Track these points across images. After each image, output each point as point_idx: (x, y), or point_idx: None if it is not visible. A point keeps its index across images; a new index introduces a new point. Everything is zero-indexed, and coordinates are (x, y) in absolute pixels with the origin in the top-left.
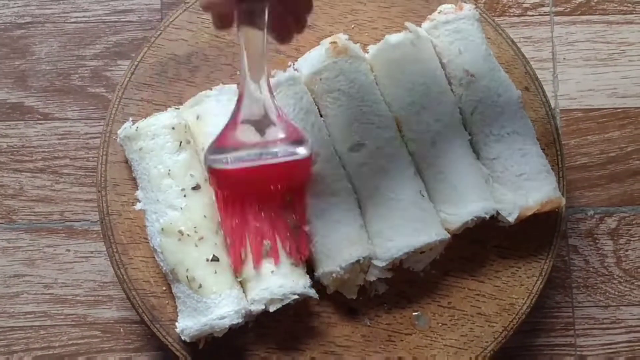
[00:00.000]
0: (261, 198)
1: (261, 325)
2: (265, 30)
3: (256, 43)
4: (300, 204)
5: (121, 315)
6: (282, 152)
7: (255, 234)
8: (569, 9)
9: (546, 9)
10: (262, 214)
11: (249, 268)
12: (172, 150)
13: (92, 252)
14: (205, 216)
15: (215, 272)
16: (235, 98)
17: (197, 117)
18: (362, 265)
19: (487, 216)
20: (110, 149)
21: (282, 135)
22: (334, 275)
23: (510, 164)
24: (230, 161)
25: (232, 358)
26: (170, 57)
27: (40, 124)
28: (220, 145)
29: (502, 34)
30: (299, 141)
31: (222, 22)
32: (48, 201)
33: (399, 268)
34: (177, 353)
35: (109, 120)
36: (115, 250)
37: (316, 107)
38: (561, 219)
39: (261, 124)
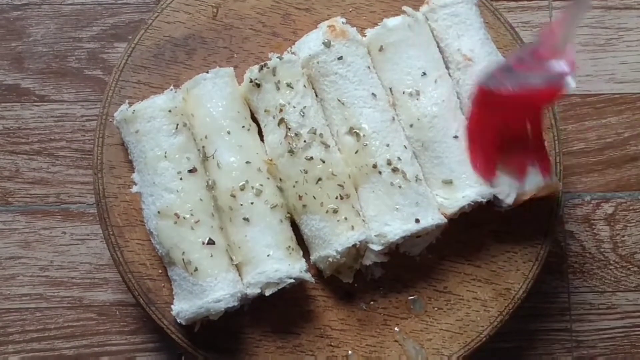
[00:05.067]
0: (513, 120)
1: (257, 309)
2: None
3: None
4: (537, 125)
5: (117, 298)
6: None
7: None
8: None
9: None
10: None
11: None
12: (168, 133)
13: (88, 235)
14: (201, 199)
15: (211, 256)
16: (232, 80)
17: (194, 100)
18: (358, 249)
19: (484, 201)
20: (107, 132)
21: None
22: (330, 259)
23: None
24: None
25: (227, 341)
26: (167, 40)
27: (37, 106)
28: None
29: (500, 18)
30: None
31: None
32: (44, 183)
33: (395, 252)
34: (173, 336)
35: (105, 103)
36: (111, 232)
37: (313, 90)
38: (558, 204)
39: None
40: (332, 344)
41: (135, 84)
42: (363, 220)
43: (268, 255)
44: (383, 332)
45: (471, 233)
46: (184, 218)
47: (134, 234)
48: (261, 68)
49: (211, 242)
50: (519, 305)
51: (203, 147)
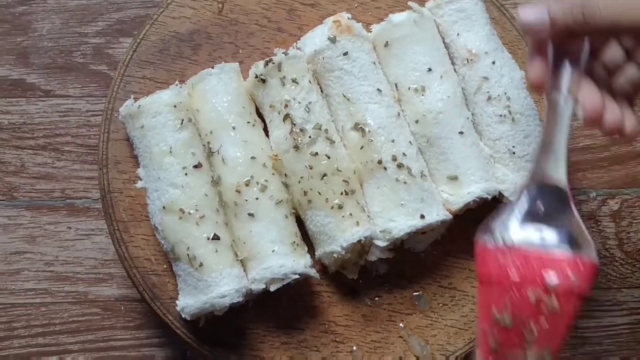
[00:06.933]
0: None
1: (261, 304)
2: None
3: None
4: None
5: (122, 293)
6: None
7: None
8: None
9: None
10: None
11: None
12: (173, 128)
13: (93, 230)
14: (206, 194)
15: (216, 251)
16: (237, 76)
17: (199, 95)
18: (363, 245)
19: (489, 197)
20: (112, 127)
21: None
22: (335, 255)
23: (513, 144)
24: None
25: (232, 336)
26: (173, 35)
27: (42, 101)
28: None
29: (506, 13)
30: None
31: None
32: (49, 178)
33: (400, 248)
34: (178, 331)
35: (110, 98)
36: (116, 228)
37: (318, 86)
38: None
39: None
40: (336, 339)
41: (141, 79)
42: (368, 216)
43: (273, 251)
44: (388, 328)
45: (476, 229)
46: (189, 213)
47: (139, 229)
48: (266, 63)
49: (216, 238)
50: None
51: (208, 142)
